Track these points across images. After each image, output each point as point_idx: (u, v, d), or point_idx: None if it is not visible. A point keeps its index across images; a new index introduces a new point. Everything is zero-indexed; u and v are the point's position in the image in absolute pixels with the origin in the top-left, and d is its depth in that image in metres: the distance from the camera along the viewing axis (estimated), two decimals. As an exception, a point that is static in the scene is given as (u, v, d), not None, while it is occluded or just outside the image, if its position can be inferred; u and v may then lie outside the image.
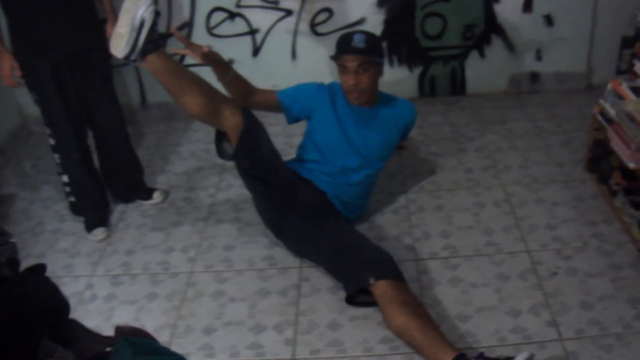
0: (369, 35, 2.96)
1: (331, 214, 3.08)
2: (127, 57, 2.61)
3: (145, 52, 2.63)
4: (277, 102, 3.07)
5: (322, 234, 2.94)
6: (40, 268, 1.29)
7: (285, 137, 4.14)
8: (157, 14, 2.64)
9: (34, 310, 1.23)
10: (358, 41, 2.89)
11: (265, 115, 4.42)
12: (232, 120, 2.76)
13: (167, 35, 4.21)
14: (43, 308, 1.25)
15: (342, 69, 2.94)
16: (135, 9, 2.55)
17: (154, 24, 2.61)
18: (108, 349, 1.30)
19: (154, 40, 2.65)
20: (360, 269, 2.70)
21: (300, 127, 3.22)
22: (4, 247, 1.30)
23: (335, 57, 2.97)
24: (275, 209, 3.08)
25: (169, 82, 2.73)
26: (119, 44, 2.58)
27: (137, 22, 2.56)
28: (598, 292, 2.71)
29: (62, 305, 1.30)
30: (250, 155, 2.87)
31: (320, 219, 3.00)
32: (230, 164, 2.97)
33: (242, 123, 2.77)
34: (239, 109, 2.79)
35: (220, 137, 2.90)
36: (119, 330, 1.44)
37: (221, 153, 2.93)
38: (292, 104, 3.08)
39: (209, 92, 2.78)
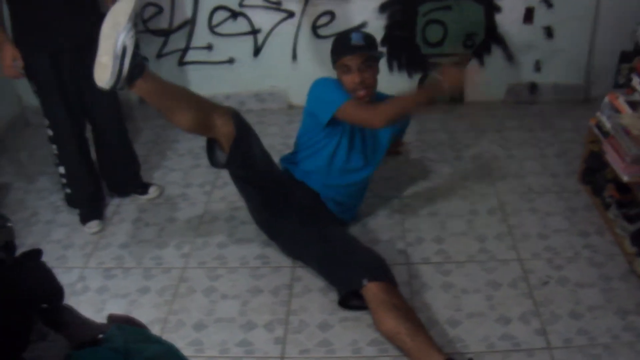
0: (365, 33, 2.99)
1: (324, 215, 3.09)
2: (113, 88, 2.53)
3: (131, 78, 2.55)
4: None
5: (314, 237, 2.95)
6: (37, 253, 1.29)
7: (283, 138, 4.15)
8: (137, 44, 2.53)
9: (28, 294, 1.23)
10: (357, 39, 2.90)
11: (263, 115, 4.46)
12: (224, 129, 2.75)
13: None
14: (37, 292, 1.26)
15: (345, 69, 2.90)
16: (115, 35, 2.46)
17: (137, 47, 2.53)
18: (100, 336, 1.31)
19: (139, 65, 2.56)
20: (353, 271, 2.71)
21: (296, 129, 3.22)
22: (1, 230, 1.31)
23: (336, 59, 2.95)
24: (268, 212, 3.09)
25: (157, 103, 2.70)
26: (104, 76, 2.49)
27: (119, 50, 2.46)
28: (588, 303, 2.73)
29: (56, 290, 1.31)
30: (243, 161, 2.87)
31: (313, 221, 3.00)
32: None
33: (234, 131, 2.76)
34: (230, 117, 2.77)
35: (212, 144, 2.89)
36: (112, 317, 1.45)
37: (213, 161, 2.92)
38: None
39: (199, 105, 2.75)
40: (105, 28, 2.49)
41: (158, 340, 1.42)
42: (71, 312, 1.34)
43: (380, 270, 2.70)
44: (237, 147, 2.77)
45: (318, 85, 3.01)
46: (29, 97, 3.68)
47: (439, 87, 2.76)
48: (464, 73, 2.81)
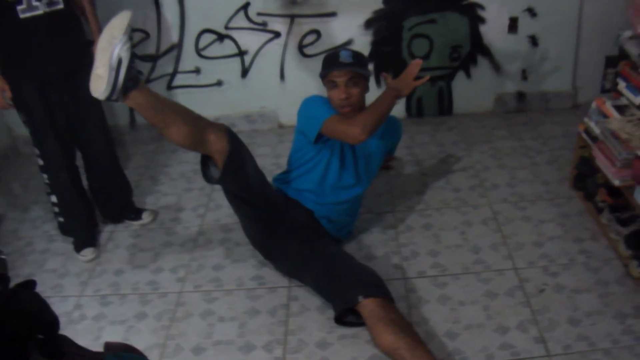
0: (354, 51, 3.01)
1: (318, 233, 3.08)
2: (108, 98, 2.56)
3: (126, 90, 2.57)
4: None
5: (309, 254, 2.94)
6: (31, 284, 1.30)
7: (274, 158, 4.16)
8: (134, 55, 2.57)
9: (23, 325, 1.23)
10: (345, 57, 2.94)
11: (254, 136, 4.47)
12: (217, 145, 2.76)
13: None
14: (33, 323, 1.26)
15: (332, 85, 2.95)
16: (111, 48, 2.49)
17: (132, 61, 2.56)
18: (97, 365, 1.31)
19: (134, 77, 2.59)
20: (349, 288, 2.70)
21: (287, 148, 3.23)
22: (-6, 263, 1.31)
23: (323, 74, 2.99)
24: (263, 230, 3.09)
25: (152, 117, 2.70)
26: (99, 86, 2.52)
27: (114, 62, 2.49)
28: (585, 308, 2.73)
29: (52, 320, 1.30)
30: (237, 177, 2.86)
31: (308, 239, 3.00)
32: (219, 186, 2.99)
33: (228, 146, 2.77)
34: (224, 133, 2.78)
35: (206, 161, 2.90)
36: (109, 346, 1.45)
37: (207, 177, 2.93)
38: None
39: (193, 120, 2.76)
40: (101, 42, 2.53)
41: (156, 366, 1.42)
42: (67, 342, 1.34)
43: (376, 287, 2.69)
44: (230, 163, 2.78)
45: (306, 103, 3.05)
46: (19, 127, 3.68)
47: (399, 89, 2.95)
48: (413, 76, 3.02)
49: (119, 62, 2.51)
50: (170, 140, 2.77)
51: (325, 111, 2.92)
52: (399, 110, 4.50)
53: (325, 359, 2.64)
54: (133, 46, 4.29)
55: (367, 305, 2.59)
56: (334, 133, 2.90)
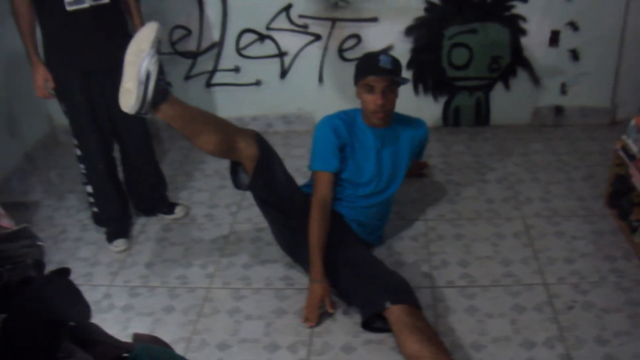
0: (393, 57, 2.97)
1: (348, 238, 3.08)
2: (137, 113, 2.58)
3: (155, 103, 2.60)
4: (334, 177, 3.04)
5: (338, 259, 2.94)
6: (65, 272, 1.32)
7: (309, 160, 4.16)
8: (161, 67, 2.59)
9: (56, 312, 1.26)
10: (385, 62, 2.89)
11: (290, 137, 4.48)
12: (247, 152, 2.79)
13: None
14: (65, 310, 1.28)
15: (368, 89, 2.92)
16: (139, 62, 2.52)
17: (161, 73, 2.58)
18: (126, 355, 1.32)
19: (163, 90, 2.61)
20: (377, 293, 2.70)
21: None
22: (31, 249, 1.34)
23: (360, 78, 2.95)
24: (292, 235, 3.10)
25: (182, 127, 2.73)
26: (128, 101, 2.55)
27: (142, 76, 2.52)
28: (614, 328, 2.70)
29: (83, 308, 1.33)
30: (266, 184, 2.89)
31: (337, 243, 2.99)
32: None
33: (258, 153, 2.79)
34: (253, 140, 2.81)
35: (235, 167, 2.92)
36: (137, 337, 1.47)
37: (237, 184, 2.95)
38: (339, 162, 3.03)
39: (222, 129, 2.79)
40: (129, 55, 2.56)
41: (182, 360, 1.44)
42: (98, 331, 1.37)
43: (404, 293, 2.69)
44: (260, 170, 2.80)
45: (319, 130, 3.06)
46: (60, 116, 3.74)
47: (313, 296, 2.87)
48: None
49: (148, 75, 2.54)
50: (200, 149, 2.81)
51: (324, 162, 3.01)
52: (435, 118, 4.49)
53: (349, 363, 2.65)
54: (174, 43, 4.37)
55: (394, 312, 2.59)
56: (314, 185, 3.00)
